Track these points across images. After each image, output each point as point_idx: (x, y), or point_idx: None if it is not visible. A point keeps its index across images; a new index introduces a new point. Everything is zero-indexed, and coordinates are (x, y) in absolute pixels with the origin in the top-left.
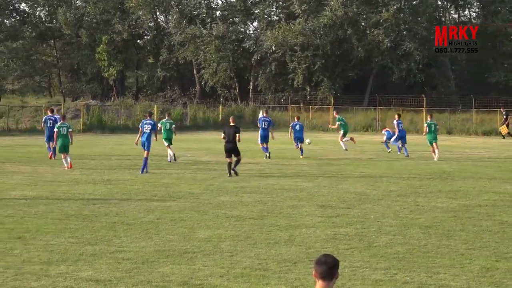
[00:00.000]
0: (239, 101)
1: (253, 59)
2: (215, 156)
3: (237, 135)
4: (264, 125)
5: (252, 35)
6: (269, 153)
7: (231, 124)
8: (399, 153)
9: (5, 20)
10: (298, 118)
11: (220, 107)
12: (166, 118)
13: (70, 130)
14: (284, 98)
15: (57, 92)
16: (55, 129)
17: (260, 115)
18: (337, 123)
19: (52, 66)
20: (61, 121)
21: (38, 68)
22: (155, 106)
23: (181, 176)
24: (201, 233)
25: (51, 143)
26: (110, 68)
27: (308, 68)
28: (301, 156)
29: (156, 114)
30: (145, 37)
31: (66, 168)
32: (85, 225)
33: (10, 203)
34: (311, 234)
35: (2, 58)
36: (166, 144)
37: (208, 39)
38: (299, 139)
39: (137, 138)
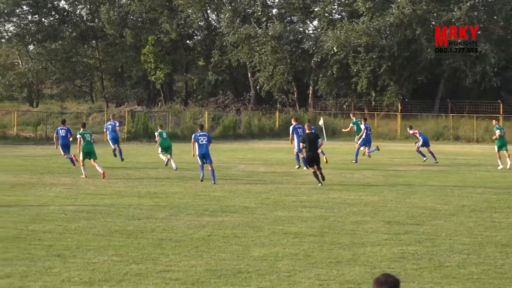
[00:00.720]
0: (297, 107)
1: (312, 61)
2: (271, 167)
3: (319, 141)
4: (301, 132)
5: (312, 35)
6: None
7: (307, 131)
8: (363, 155)
9: (43, 19)
10: (297, 120)
11: (277, 114)
12: (160, 129)
13: (93, 137)
14: (346, 104)
15: (99, 97)
16: (78, 136)
17: (293, 123)
18: (351, 125)
19: (94, 69)
20: (82, 129)
21: (78, 71)
22: (206, 112)
23: (234, 189)
24: (256, 251)
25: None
26: (157, 71)
27: (373, 71)
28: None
29: (207, 121)
30: (195, 37)
31: (84, 177)
32: (130, 242)
33: (49, 218)
34: (377, 252)
35: (40, 60)
36: (165, 153)
37: (264, 39)
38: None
39: (192, 152)
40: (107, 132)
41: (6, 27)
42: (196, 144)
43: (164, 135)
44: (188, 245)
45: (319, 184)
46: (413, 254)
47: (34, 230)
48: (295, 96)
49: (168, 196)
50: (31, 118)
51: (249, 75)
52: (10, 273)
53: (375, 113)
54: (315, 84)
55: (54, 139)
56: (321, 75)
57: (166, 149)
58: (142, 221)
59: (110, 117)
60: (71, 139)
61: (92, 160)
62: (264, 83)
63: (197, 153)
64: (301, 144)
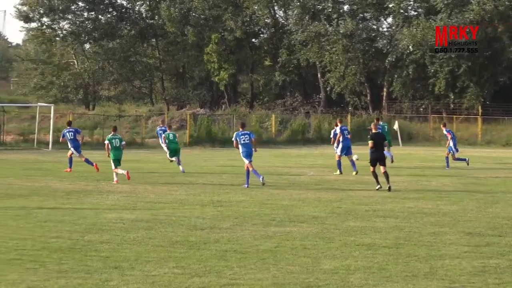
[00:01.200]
0: (370, 110)
1: (387, 61)
2: (343, 174)
3: (385, 142)
4: (347, 134)
5: (386, 33)
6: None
7: (374, 131)
8: (354, 171)
9: (100, 16)
10: (341, 122)
11: (349, 117)
12: (168, 130)
13: (123, 143)
14: (423, 106)
15: (159, 99)
16: (106, 141)
17: (339, 126)
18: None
19: (154, 69)
20: (113, 133)
21: (137, 72)
22: (273, 115)
23: (303, 197)
24: (326, 264)
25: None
26: (221, 72)
27: (451, 72)
28: (354, 173)
29: (274, 125)
30: (261, 35)
31: (116, 182)
32: (192, 253)
33: (106, 227)
34: (456, 266)
35: (97, 59)
36: (172, 157)
37: (335, 37)
38: (347, 148)
39: (240, 151)
40: (160, 137)
41: (61, 25)
42: (239, 144)
43: (171, 136)
44: (254, 257)
45: (378, 186)
46: (495, 268)
47: (90, 240)
48: (368, 98)
49: (233, 204)
50: (87, 121)
51: (319, 75)
52: (64, 286)
53: (454, 116)
54: (389, 86)
55: (61, 140)
56: (396, 76)
57: (174, 152)
58: (205, 231)
59: (160, 122)
60: (79, 138)
61: (115, 168)
62: (335, 84)
63: (241, 151)
64: (370, 142)
